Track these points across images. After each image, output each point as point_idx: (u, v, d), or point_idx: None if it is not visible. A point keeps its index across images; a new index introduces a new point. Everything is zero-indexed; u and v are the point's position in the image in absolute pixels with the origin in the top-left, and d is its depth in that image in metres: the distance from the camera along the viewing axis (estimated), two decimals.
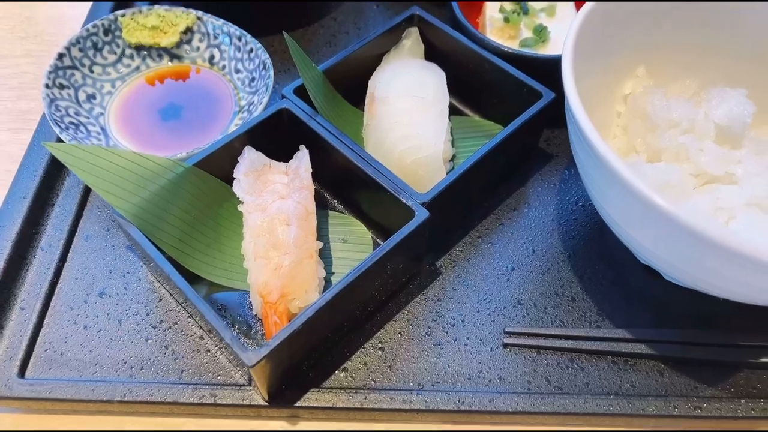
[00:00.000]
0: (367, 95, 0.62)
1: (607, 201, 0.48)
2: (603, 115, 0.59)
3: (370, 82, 0.63)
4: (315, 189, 0.58)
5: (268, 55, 0.64)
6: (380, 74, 0.63)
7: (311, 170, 0.55)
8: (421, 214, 0.51)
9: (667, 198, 0.39)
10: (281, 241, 0.50)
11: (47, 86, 0.62)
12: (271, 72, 0.63)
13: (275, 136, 0.58)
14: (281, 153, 0.58)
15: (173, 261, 0.52)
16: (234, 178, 0.54)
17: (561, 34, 0.69)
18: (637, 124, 0.56)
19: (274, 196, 0.52)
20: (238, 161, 0.55)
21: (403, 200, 0.52)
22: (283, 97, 0.59)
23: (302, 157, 0.56)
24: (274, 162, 0.56)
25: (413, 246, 0.53)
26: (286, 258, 0.49)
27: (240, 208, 0.53)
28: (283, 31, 0.58)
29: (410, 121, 0.58)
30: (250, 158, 0.55)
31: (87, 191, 0.62)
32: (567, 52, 0.49)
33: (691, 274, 0.45)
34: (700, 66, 0.59)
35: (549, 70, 0.63)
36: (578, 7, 0.72)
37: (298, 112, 0.57)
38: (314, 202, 0.54)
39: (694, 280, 0.46)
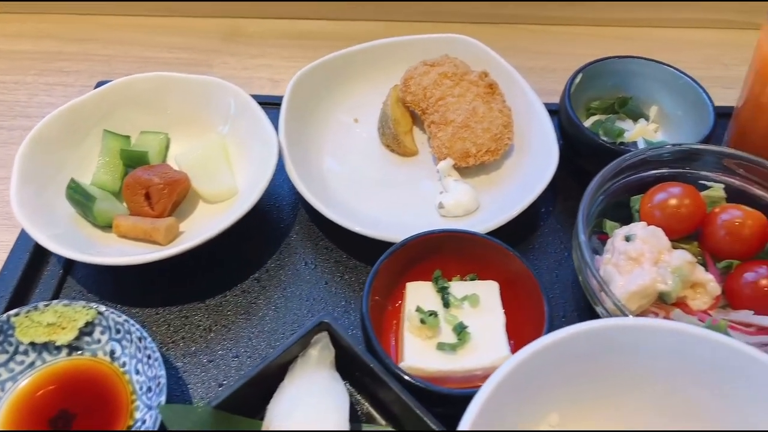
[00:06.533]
0: (263, 425, 0.58)
1: None
2: None
3: (269, 407, 0.59)
4: None
5: (164, 372, 0.60)
6: (280, 400, 0.59)
7: None
8: None
9: None
10: None
11: None
12: (164, 397, 0.59)
13: None
14: None
15: None
16: None
17: (483, 333, 0.65)
18: None
19: None
20: None
21: None
22: None
23: None
24: None
25: None
26: None
27: None
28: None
29: None
30: None
31: None
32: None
33: None
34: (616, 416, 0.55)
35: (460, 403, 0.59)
36: (502, 291, 0.69)
37: None
38: None
39: None
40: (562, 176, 0.85)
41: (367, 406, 0.65)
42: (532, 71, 1.02)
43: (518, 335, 0.66)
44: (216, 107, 0.84)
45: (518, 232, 0.80)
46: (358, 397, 0.65)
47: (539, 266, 0.78)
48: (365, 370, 0.61)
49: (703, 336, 0.52)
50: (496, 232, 0.74)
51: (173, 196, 0.75)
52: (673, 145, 0.74)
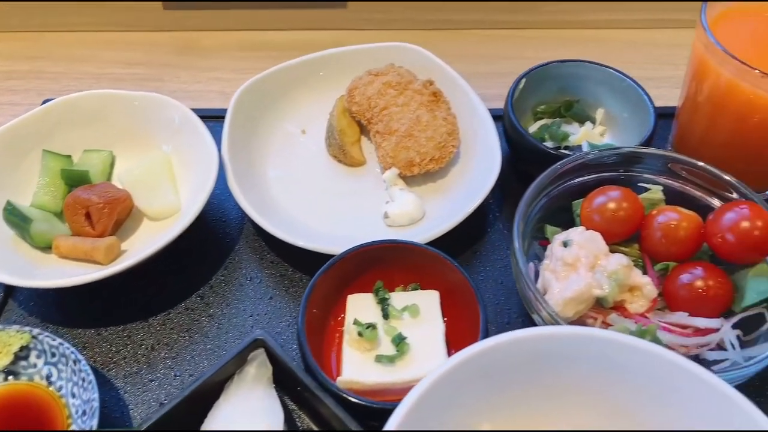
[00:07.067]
0: None
1: None
2: None
3: (203, 426, 0.59)
4: None
5: (97, 395, 0.60)
6: (214, 419, 0.58)
7: None
8: None
9: None
10: None
11: None
12: (95, 421, 0.58)
13: None
14: None
15: None
16: None
17: (423, 344, 0.65)
18: None
19: None
20: None
21: None
22: None
23: None
24: None
25: None
26: None
27: None
28: None
29: None
30: None
31: None
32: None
33: None
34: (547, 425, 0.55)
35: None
36: (444, 299, 0.69)
37: None
38: None
39: None
40: (510, 182, 0.85)
41: (307, 421, 0.65)
42: (483, 76, 1.02)
43: (459, 344, 0.66)
44: (159, 123, 0.83)
45: (465, 238, 0.80)
46: (299, 411, 0.65)
47: (485, 272, 0.78)
48: (303, 386, 0.61)
49: (628, 343, 0.51)
50: (442, 240, 0.74)
51: (114, 215, 0.74)
52: (610, 149, 0.74)
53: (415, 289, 0.71)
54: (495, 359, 0.54)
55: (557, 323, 0.61)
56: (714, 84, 0.71)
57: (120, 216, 0.76)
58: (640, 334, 0.60)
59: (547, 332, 0.55)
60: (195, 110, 0.83)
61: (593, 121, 0.88)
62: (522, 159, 0.84)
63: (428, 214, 0.81)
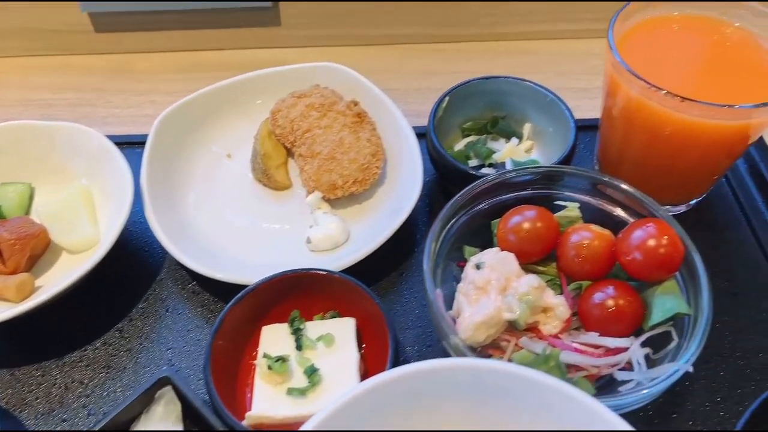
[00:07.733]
0: None
1: None
2: None
3: None
4: None
5: None
6: None
7: None
8: None
9: None
10: None
11: None
12: None
13: None
14: None
15: None
16: None
17: (336, 374, 0.64)
18: None
19: None
20: None
21: None
22: None
23: None
24: None
25: None
26: None
27: None
28: None
29: None
30: None
31: None
32: None
33: None
34: None
35: None
36: (364, 327, 0.68)
37: None
38: None
39: None
40: (438, 201, 0.85)
41: None
42: (417, 92, 1.02)
43: (376, 373, 0.65)
44: (78, 153, 0.82)
45: (390, 260, 0.79)
46: None
47: (409, 294, 0.77)
48: (209, 423, 0.60)
49: (515, 373, 0.50)
50: (366, 262, 0.74)
51: (26, 252, 0.73)
52: (524, 168, 0.74)
53: (333, 317, 0.70)
54: (393, 391, 0.53)
55: (463, 352, 0.60)
56: (624, 101, 0.71)
57: (34, 251, 0.75)
58: (545, 359, 0.60)
59: (438, 366, 0.53)
60: (124, 136, 0.83)
61: (520, 137, 0.88)
62: (445, 178, 0.83)
63: (353, 236, 0.80)
